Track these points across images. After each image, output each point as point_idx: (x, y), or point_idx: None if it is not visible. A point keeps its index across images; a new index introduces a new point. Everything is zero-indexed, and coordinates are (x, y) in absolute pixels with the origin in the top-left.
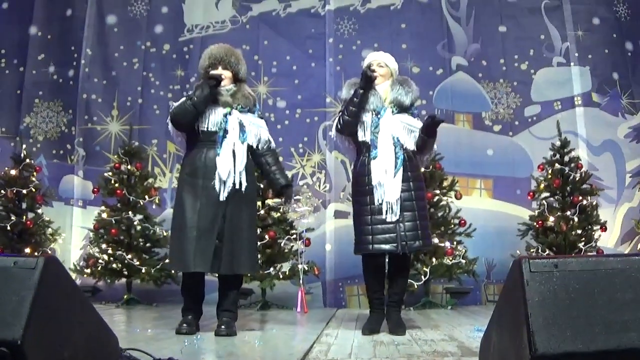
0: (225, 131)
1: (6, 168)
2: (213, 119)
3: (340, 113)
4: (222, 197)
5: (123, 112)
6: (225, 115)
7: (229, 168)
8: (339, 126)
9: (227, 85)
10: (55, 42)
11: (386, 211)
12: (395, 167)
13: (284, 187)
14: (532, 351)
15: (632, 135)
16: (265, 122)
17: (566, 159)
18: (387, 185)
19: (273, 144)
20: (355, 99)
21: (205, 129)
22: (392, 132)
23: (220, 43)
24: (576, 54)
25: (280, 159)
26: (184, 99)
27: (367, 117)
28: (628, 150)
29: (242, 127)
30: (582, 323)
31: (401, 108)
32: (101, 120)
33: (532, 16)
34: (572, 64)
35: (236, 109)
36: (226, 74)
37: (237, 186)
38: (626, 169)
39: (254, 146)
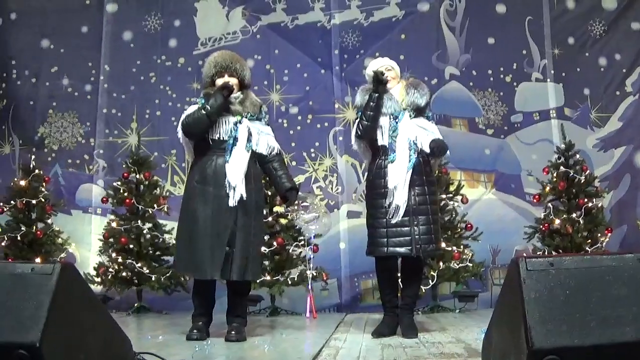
0: (235, 139)
1: (15, 179)
2: (224, 128)
3: (358, 120)
4: (232, 203)
5: (142, 124)
6: (235, 124)
7: (239, 175)
8: (359, 132)
9: (234, 92)
10: (70, 56)
11: (392, 213)
12: (407, 170)
13: (288, 190)
14: (529, 346)
15: (599, 145)
16: (271, 129)
17: (571, 161)
18: (400, 188)
19: (279, 150)
20: (372, 104)
21: (216, 138)
22: (409, 135)
23: (223, 50)
24: (552, 72)
25: (294, 163)
26: (195, 107)
27: (384, 121)
28: (596, 159)
29: (249, 135)
30: (577, 318)
31: (417, 111)
32: (121, 134)
33: (516, 31)
34: (548, 80)
35: (246, 117)
36: (233, 82)
37: (241, 193)
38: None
39: (263, 154)
